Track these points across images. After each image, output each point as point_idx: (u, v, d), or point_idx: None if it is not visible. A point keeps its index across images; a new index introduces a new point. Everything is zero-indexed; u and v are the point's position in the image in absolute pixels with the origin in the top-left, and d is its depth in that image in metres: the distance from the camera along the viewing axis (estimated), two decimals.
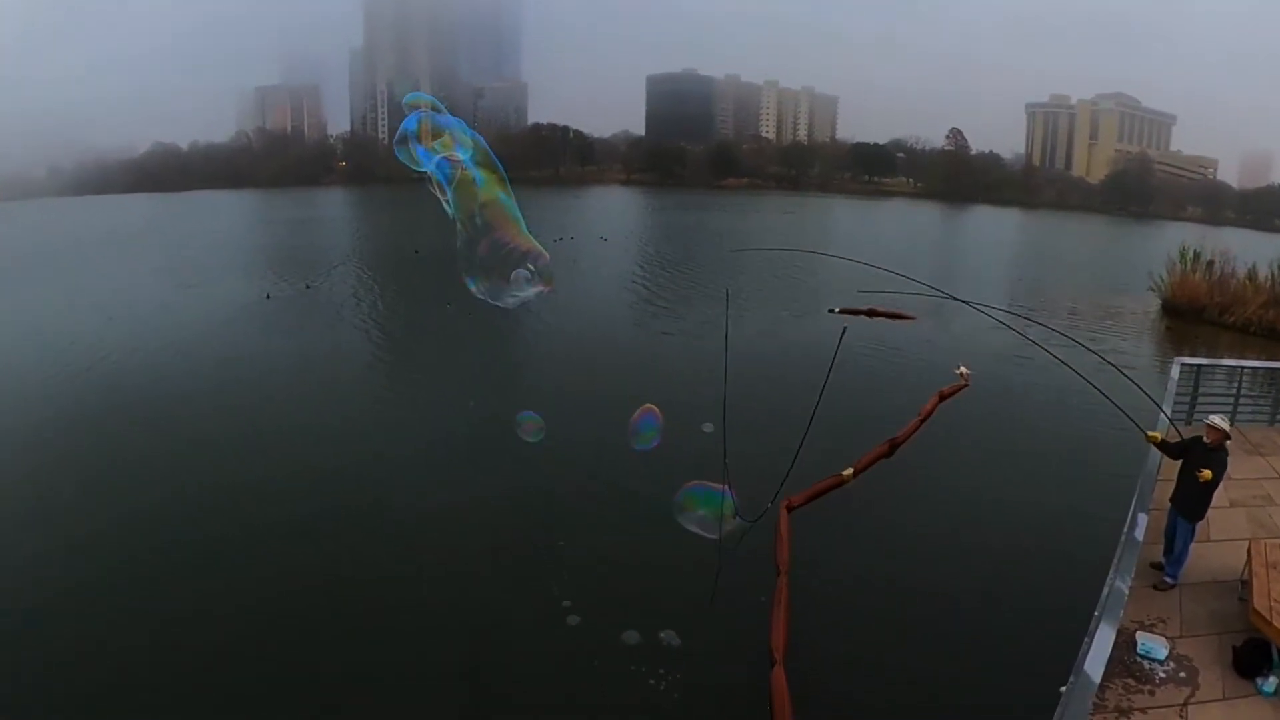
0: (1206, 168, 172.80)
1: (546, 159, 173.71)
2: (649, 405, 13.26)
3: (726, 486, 12.97)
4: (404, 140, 10.32)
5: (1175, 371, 20.37)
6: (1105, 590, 11.35)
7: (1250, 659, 10.32)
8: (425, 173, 10.25)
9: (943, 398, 25.77)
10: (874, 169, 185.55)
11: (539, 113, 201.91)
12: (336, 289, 51.67)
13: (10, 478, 22.63)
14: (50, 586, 16.98)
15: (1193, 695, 10.01)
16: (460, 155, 10.38)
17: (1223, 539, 13.57)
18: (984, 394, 27.34)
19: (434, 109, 10.19)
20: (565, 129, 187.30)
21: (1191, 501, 12.45)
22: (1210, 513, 12.78)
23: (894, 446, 22.17)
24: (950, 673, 14.41)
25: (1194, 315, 47.85)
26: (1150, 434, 13.46)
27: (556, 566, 18.01)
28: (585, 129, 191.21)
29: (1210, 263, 51.11)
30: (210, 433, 25.75)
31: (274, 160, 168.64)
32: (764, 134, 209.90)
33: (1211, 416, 12.81)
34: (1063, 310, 49.85)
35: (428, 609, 16.68)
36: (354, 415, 28.08)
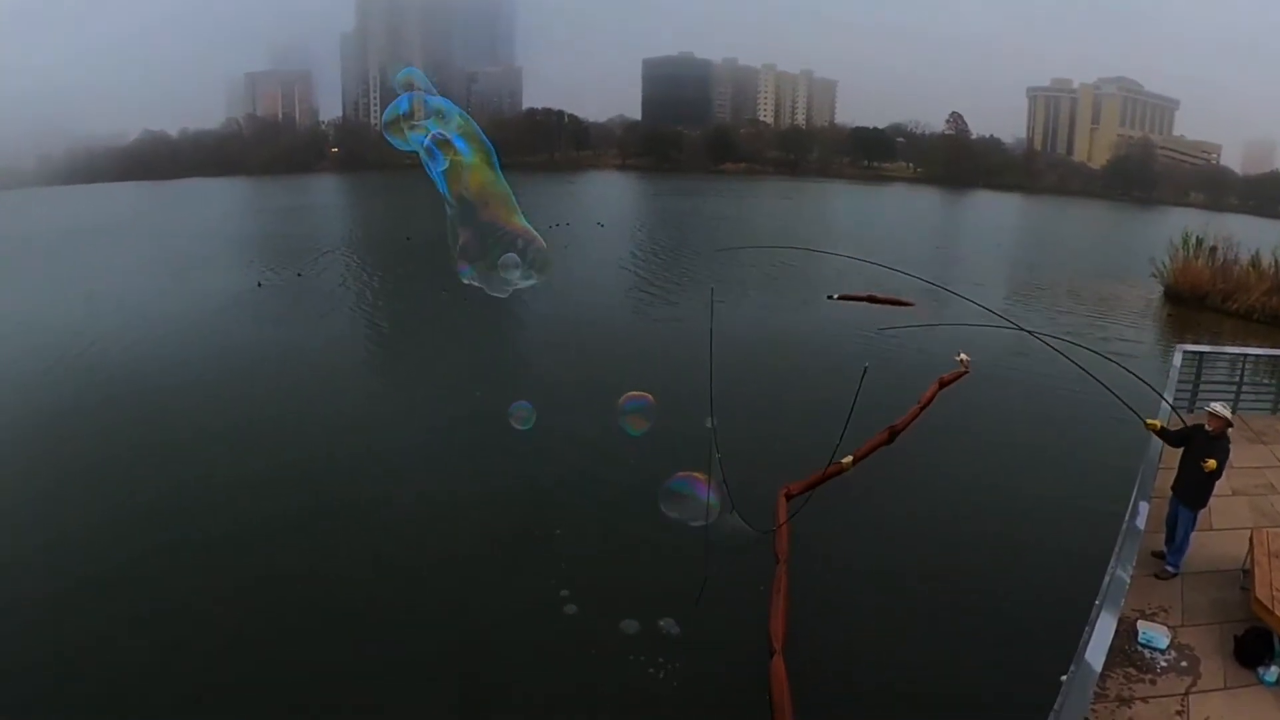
0: (1209, 153, 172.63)
1: (541, 144, 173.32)
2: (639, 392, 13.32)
3: (709, 485, 13.02)
4: (395, 121, 10.27)
5: (1177, 359, 20.40)
6: (1106, 579, 11.40)
7: (1252, 648, 10.37)
8: (415, 152, 10.21)
9: (942, 385, 25.95)
10: (873, 153, 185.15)
11: (534, 97, 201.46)
12: (328, 277, 51.53)
13: None
14: (38, 581, 16.96)
15: (1194, 684, 10.06)
16: (450, 136, 10.32)
17: (1224, 528, 13.63)
18: (984, 381, 27.45)
19: (418, 87, 10.12)
20: (560, 113, 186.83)
21: (1193, 490, 12.49)
22: (1212, 501, 12.82)
23: (893, 434, 22.32)
24: (950, 662, 14.45)
25: (1196, 302, 47.84)
26: (1150, 421, 13.49)
27: (553, 556, 18.03)
28: (580, 113, 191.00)
29: (1213, 249, 50.98)
30: (201, 423, 25.69)
31: (265, 147, 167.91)
32: (762, 118, 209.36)
33: (1213, 404, 12.85)
34: (1064, 297, 49.87)
35: (423, 599, 16.70)
36: (347, 405, 28.06)
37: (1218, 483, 12.67)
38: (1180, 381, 19.35)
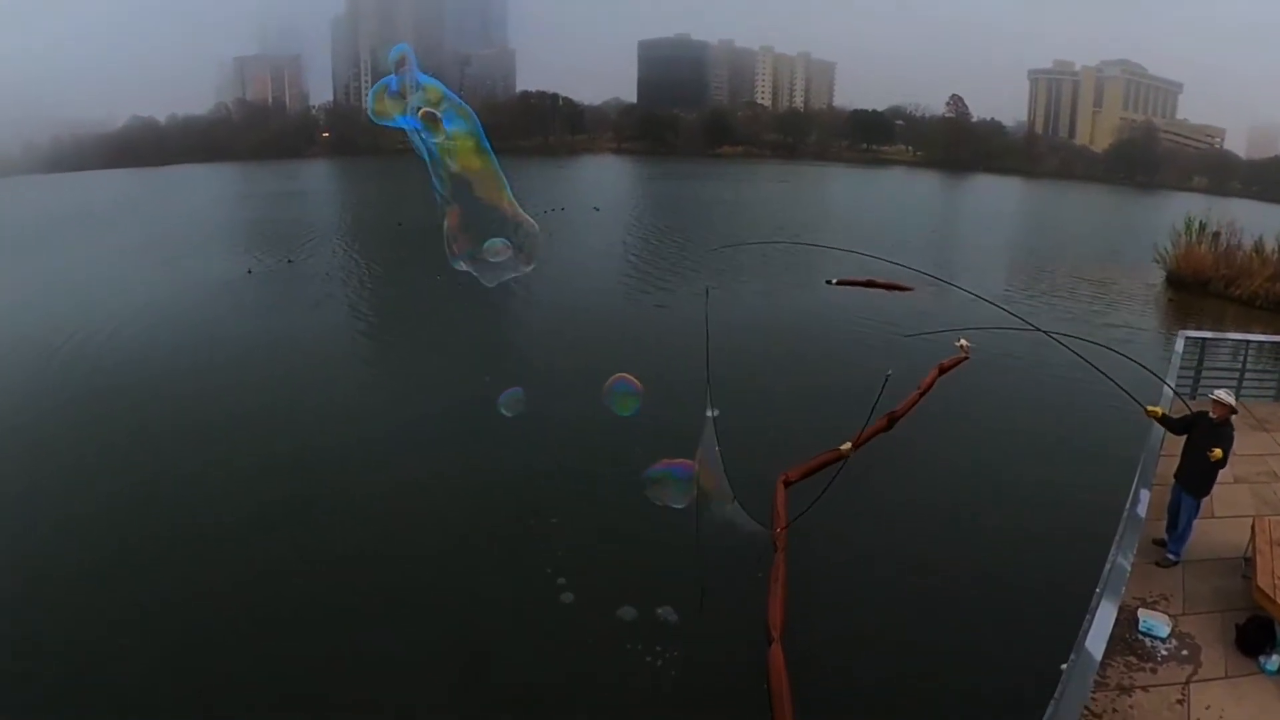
0: (1213, 137, 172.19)
1: (536, 128, 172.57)
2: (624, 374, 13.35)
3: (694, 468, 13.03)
4: (380, 98, 10.19)
5: (1179, 345, 20.41)
6: (1107, 567, 11.43)
7: (1253, 637, 10.41)
8: (401, 129, 10.14)
9: (942, 371, 26.01)
10: (872, 137, 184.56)
11: (528, 80, 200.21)
12: (319, 263, 51.50)
13: None
14: (29, 573, 17.02)
15: (1195, 673, 10.11)
16: (441, 117, 10.26)
17: (1226, 515, 13.67)
18: (984, 367, 27.49)
19: (409, 63, 10.05)
20: (555, 97, 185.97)
21: (1197, 477, 12.51)
22: (1214, 489, 12.86)
23: (893, 420, 22.39)
24: (950, 650, 14.52)
25: (1199, 288, 47.80)
26: (1151, 409, 13.52)
27: (550, 544, 18.06)
28: (575, 96, 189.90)
29: (1216, 234, 50.96)
30: (192, 413, 25.70)
31: (254, 132, 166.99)
32: (759, 101, 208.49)
33: (1217, 391, 12.87)
34: (1065, 282, 49.87)
35: (419, 588, 16.74)
36: (339, 393, 28.07)
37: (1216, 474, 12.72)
38: (1182, 368, 19.36)
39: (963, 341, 25.05)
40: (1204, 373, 20.05)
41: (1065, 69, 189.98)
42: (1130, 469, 14.93)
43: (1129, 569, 11.25)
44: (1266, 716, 9.42)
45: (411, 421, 25.24)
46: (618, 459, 20.31)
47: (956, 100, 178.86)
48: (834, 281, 42.13)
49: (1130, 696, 9.73)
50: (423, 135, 10.10)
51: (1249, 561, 11.74)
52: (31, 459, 22.62)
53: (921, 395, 23.86)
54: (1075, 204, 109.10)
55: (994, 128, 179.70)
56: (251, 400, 26.98)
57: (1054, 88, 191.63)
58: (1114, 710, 9.49)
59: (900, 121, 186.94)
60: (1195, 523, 12.63)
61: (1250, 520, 12.42)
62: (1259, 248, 49.05)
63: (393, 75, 10.15)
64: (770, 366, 29.79)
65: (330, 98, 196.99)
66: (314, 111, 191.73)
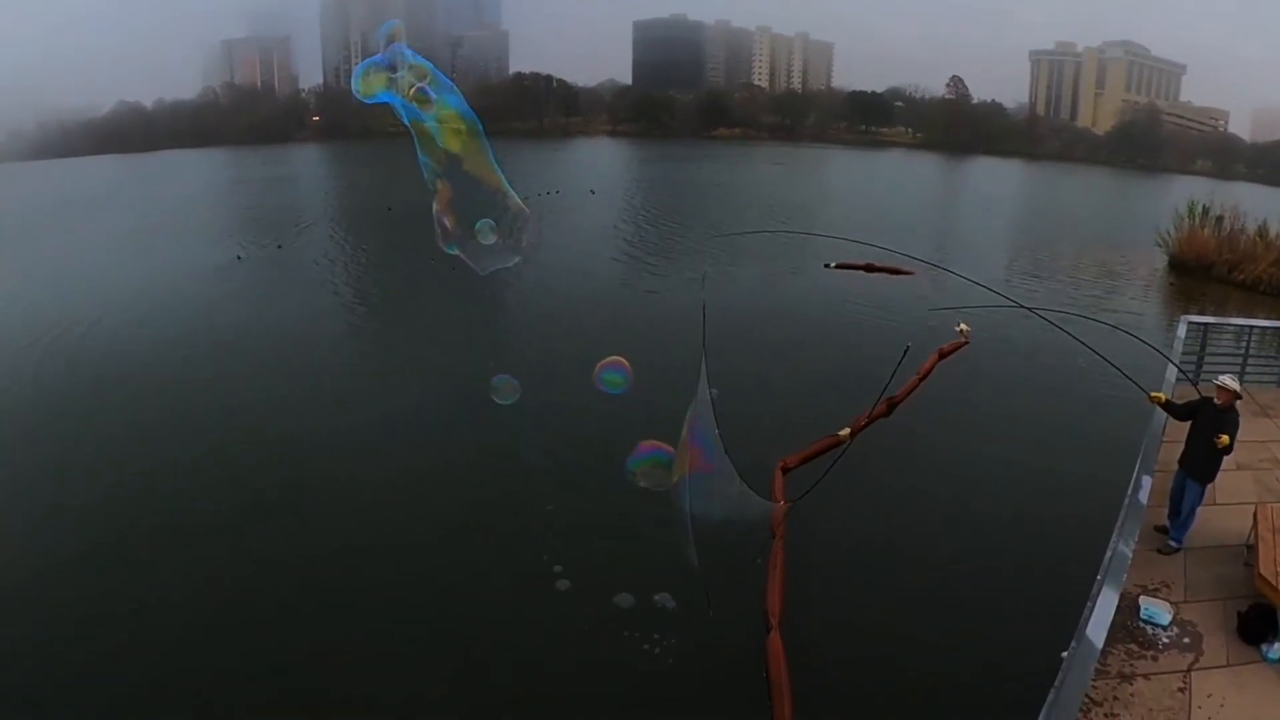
0: (1217, 120, 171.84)
1: (529, 110, 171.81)
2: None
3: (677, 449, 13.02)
4: (367, 75, 10.11)
5: (1182, 330, 20.44)
6: (1108, 554, 11.47)
7: (1255, 625, 10.46)
8: (388, 103, 10.07)
9: (942, 356, 25.96)
10: (871, 118, 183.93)
11: (521, 62, 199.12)
12: (309, 249, 51.42)
13: None
14: (18, 564, 17.01)
15: (1196, 661, 10.16)
16: (432, 96, 10.19)
17: (1229, 502, 13.70)
18: (984, 352, 27.48)
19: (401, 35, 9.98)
20: (548, 78, 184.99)
21: (1202, 463, 12.54)
22: (1216, 477, 12.90)
23: (892, 406, 22.34)
24: (950, 638, 14.58)
25: (1202, 272, 47.82)
26: (1154, 395, 13.56)
27: (545, 532, 18.13)
28: (569, 78, 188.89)
29: (1219, 218, 50.96)
30: (181, 402, 25.69)
31: (243, 116, 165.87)
32: (756, 82, 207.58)
33: (1222, 377, 12.88)
34: (1066, 266, 49.89)
35: (412, 578, 16.79)
36: (330, 380, 28.07)
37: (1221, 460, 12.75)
38: (1184, 353, 19.39)
39: (963, 326, 24.99)
40: (1206, 358, 20.09)
41: (1067, 50, 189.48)
42: (1132, 455, 14.98)
43: (1130, 556, 11.29)
44: (1268, 704, 9.47)
45: (405, 409, 25.24)
46: (613, 445, 20.35)
47: (956, 81, 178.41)
48: (832, 265, 42.09)
49: (1131, 684, 9.77)
50: (411, 110, 10.03)
51: (1251, 549, 11.78)
52: (18, 450, 22.57)
53: (921, 380, 23.83)
54: (1077, 187, 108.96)
55: (995, 109, 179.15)
56: (242, 388, 26.95)
57: (1056, 69, 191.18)
58: (1115, 698, 9.54)
59: (899, 103, 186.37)
60: (1198, 510, 12.68)
61: (1253, 507, 12.44)
62: (1263, 232, 49.02)
63: (381, 54, 10.09)
64: (767, 352, 29.80)
65: (320, 81, 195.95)
66: (304, 95, 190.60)
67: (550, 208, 64.48)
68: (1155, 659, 10.20)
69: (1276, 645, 10.17)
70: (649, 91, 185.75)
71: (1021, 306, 19.46)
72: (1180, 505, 12.66)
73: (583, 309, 36.45)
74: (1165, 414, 14.78)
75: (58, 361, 30.10)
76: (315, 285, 42.05)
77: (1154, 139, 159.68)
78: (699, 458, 12.81)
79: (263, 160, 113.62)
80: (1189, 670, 10.00)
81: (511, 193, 10.78)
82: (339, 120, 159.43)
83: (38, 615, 15.46)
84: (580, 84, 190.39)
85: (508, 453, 21.87)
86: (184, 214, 66.63)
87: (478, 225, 10.77)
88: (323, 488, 20.45)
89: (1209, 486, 12.81)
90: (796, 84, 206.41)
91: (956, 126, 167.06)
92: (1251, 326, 21.09)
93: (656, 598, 15.57)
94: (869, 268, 40.41)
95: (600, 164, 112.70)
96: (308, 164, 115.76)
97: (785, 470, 18.59)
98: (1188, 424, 13.12)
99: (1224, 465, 12.99)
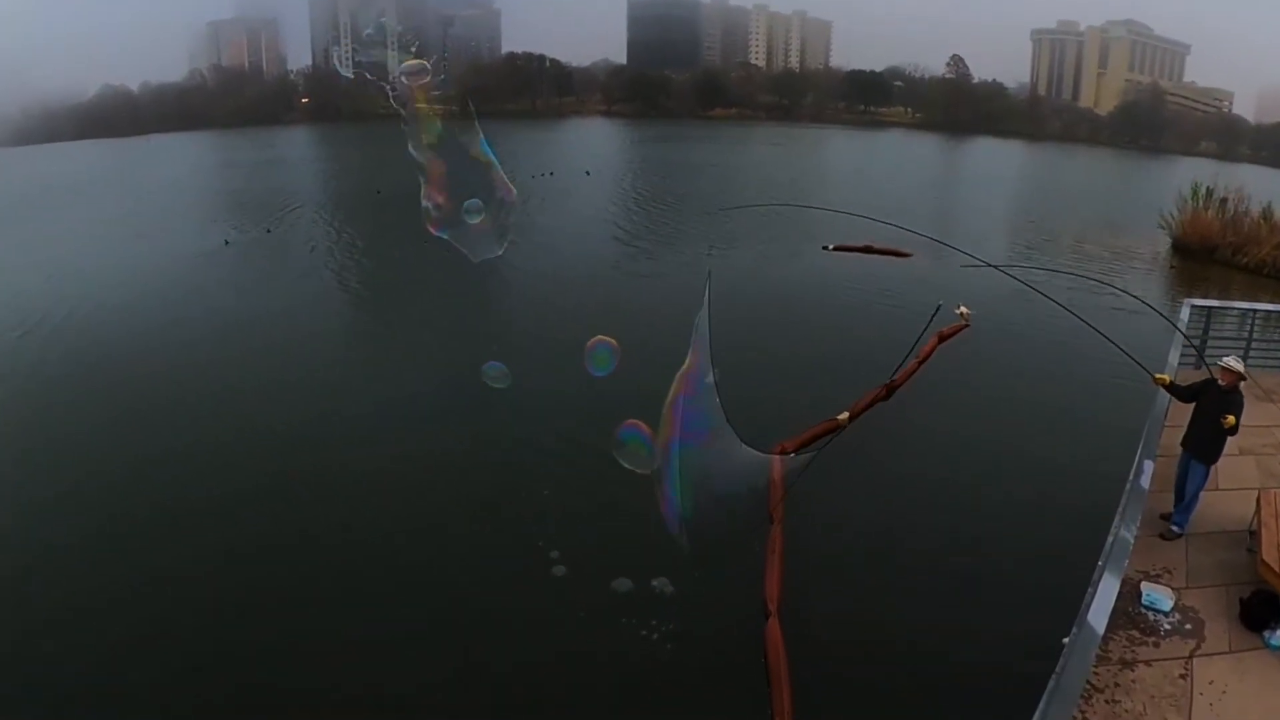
0: (1221, 100, 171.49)
1: (522, 90, 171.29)
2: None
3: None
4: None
5: (1185, 313, 20.49)
6: (1109, 539, 11.51)
7: (1258, 611, 10.51)
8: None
9: (942, 339, 26.10)
10: (870, 98, 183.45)
11: (514, 41, 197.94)
12: (299, 233, 51.35)
13: None
14: (7, 554, 17.01)
15: (1198, 648, 10.22)
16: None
17: (1231, 488, 13.75)
18: (985, 335, 27.57)
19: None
20: (542, 58, 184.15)
21: (1206, 444, 12.61)
22: (1219, 461, 12.95)
23: (891, 390, 22.47)
24: (949, 624, 14.63)
25: (1205, 255, 47.84)
26: (1158, 376, 13.61)
27: (542, 517, 18.15)
28: (563, 58, 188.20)
29: (1223, 200, 50.90)
30: (168, 390, 25.63)
31: (231, 99, 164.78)
32: (753, 61, 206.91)
33: (1226, 358, 12.92)
34: (1068, 248, 49.88)
35: (408, 563, 16.84)
36: (321, 367, 28.01)
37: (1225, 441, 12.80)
38: (1187, 337, 19.43)
39: (963, 309, 25.11)
40: (1209, 342, 20.12)
41: (1069, 29, 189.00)
42: (1134, 440, 15.03)
43: (1132, 541, 11.34)
44: (1270, 691, 9.53)
45: (397, 394, 25.22)
46: (609, 430, 20.39)
47: (957, 61, 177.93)
48: (830, 248, 42.15)
49: (1133, 671, 9.83)
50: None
51: (1254, 535, 11.84)
52: (10, 438, 22.54)
53: (921, 364, 23.93)
54: (1079, 168, 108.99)
55: (995, 89, 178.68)
56: (230, 375, 26.93)
57: (1058, 48, 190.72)
58: (1116, 685, 9.60)
59: (899, 82, 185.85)
60: (1201, 494, 12.73)
61: (1255, 493, 12.51)
62: (1267, 215, 48.96)
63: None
64: (765, 335, 29.76)
65: (309, 62, 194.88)
66: (292, 76, 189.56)
67: (546, 190, 64.36)
68: (1157, 645, 10.26)
69: (1279, 632, 10.22)
70: (644, 71, 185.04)
71: (1027, 283, 19.43)
72: (1184, 489, 12.72)
73: (578, 292, 36.34)
74: (1168, 398, 14.85)
75: (43, 350, 29.98)
76: (305, 269, 41.98)
77: (1157, 120, 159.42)
78: (692, 418, 12.82)
79: (251, 143, 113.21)
80: (1191, 657, 10.06)
81: (502, 174, 10.77)
82: (328, 102, 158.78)
83: (28, 607, 15.47)
84: (574, 64, 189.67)
85: (502, 438, 21.88)
86: (170, 199, 66.38)
87: (466, 205, 10.76)
88: (314, 475, 20.44)
89: (1212, 473, 12.87)
90: (794, 63, 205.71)
91: (957, 106, 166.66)
92: (1255, 310, 21.12)
93: (654, 583, 15.61)
94: (868, 249, 40.61)
95: (595, 145, 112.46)
96: (296, 146, 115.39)
97: (783, 454, 18.66)
98: (1190, 408, 13.18)
99: (1227, 450, 13.05)
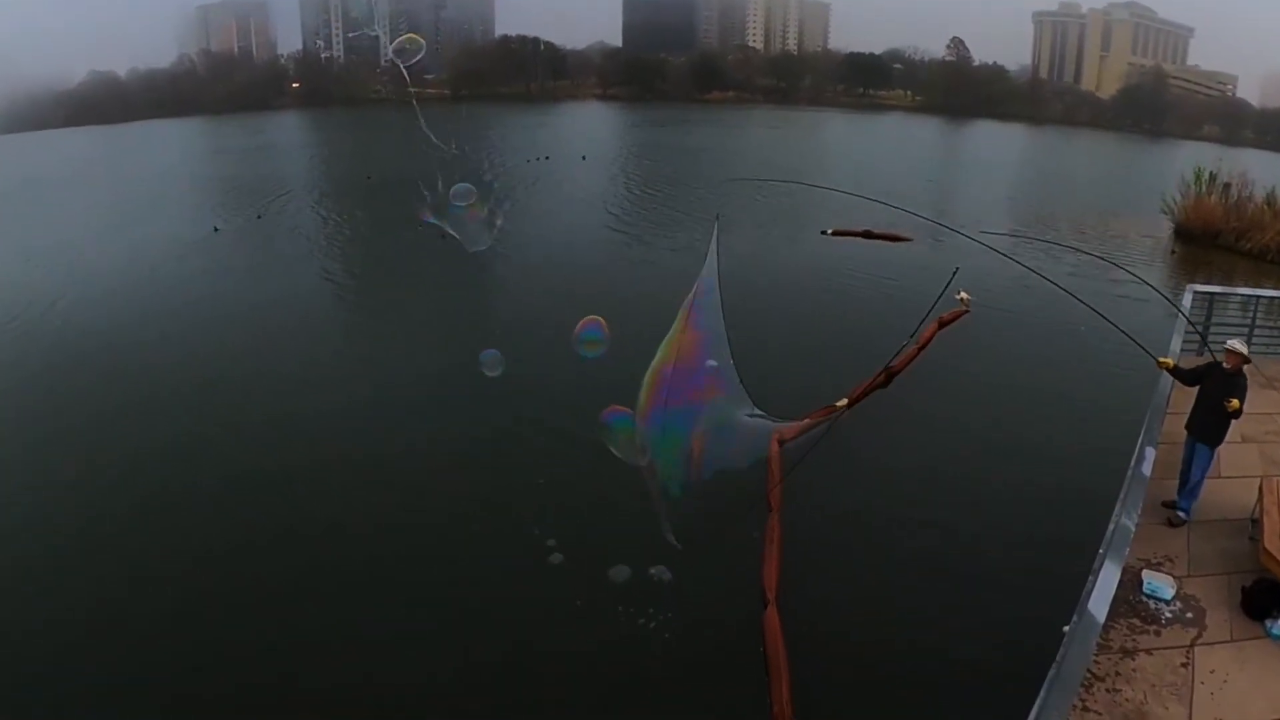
0: (1225, 84, 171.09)
1: (516, 74, 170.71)
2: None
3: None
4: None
5: (1187, 299, 20.49)
6: (1110, 527, 11.53)
7: (1260, 600, 10.54)
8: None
9: (942, 325, 26.06)
10: (869, 81, 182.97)
11: (507, 24, 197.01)
12: (289, 219, 51.21)
13: None
14: None
15: (1199, 636, 10.26)
16: None
17: (1234, 475, 13.79)
18: (985, 321, 27.57)
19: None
20: (535, 41, 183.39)
21: (1211, 427, 12.66)
22: (1221, 449, 12.98)
23: (890, 376, 22.46)
24: (949, 612, 14.69)
25: (1208, 241, 47.80)
26: (1162, 360, 13.66)
27: (538, 507, 18.17)
28: (557, 41, 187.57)
29: (1227, 185, 50.82)
30: (159, 380, 25.58)
31: (221, 84, 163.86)
32: (750, 44, 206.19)
33: (1231, 341, 12.96)
34: (1069, 232, 49.81)
35: (401, 555, 16.85)
36: (314, 356, 27.98)
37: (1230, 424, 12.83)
38: (1189, 323, 19.43)
39: (963, 294, 25.06)
40: (1212, 328, 20.13)
41: (1071, 11, 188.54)
42: (1135, 426, 15.06)
43: (1133, 529, 11.36)
44: (1272, 680, 9.57)
45: (390, 382, 25.23)
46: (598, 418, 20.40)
47: (957, 43, 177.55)
48: (829, 232, 42.08)
49: (1134, 659, 9.87)
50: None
51: (1256, 523, 11.87)
52: None
53: (920, 350, 23.91)
54: (1080, 152, 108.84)
55: (996, 72, 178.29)
56: (218, 365, 26.92)
57: (1059, 31, 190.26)
58: (1117, 673, 9.63)
59: (898, 65, 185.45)
60: (1206, 479, 12.78)
61: (1258, 481, 12.54)
62: (1271, 200, 48.91)
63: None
64: (764, 320, 29.75)
65: (299, 46, 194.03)
66: (283, 61, 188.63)
67: (542, 174, 64.28)
68: (1158, 634, 10.29)
69: None
70: (639, 54, 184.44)
71: (1033, 269, 19.45)
72: (1189, 474, 12.76)
73: (574, 279, 36.26)
74: (1169, 385, 14.89)
75: (32, 340, 29.92)
76: (295, 257, 41.88)
77: (1160, 103, 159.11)
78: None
79: (241, 129, 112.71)
80: (1192, 645, 10.10)
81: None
82: (320, 86, 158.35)
83: (19, 600, 15.46)
84: (568, 46, 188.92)
85: (497, 426, 21.88)
86: (160, 186, 66.03)
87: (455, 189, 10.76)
88: (308, 465, 20.44)
89: (1215, 456, 12.90)
90: (792, 45, 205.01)
91: (957, 89, 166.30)
92: (1259, 296, 21.14)
93: (652, 571, 15.63)
94: (867, 234, 40.57)
95: (591, 129, 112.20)
96: (287, 132, 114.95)
97: (782, 442, 18.70)
98: (1192, 394, 13.22)
99: (1229, 438, 13.08)
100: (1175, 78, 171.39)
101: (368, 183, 61.08)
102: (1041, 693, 9.07)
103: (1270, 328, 21.20)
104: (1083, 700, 9.13)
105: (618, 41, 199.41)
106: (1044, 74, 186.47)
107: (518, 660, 14.03)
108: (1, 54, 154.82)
